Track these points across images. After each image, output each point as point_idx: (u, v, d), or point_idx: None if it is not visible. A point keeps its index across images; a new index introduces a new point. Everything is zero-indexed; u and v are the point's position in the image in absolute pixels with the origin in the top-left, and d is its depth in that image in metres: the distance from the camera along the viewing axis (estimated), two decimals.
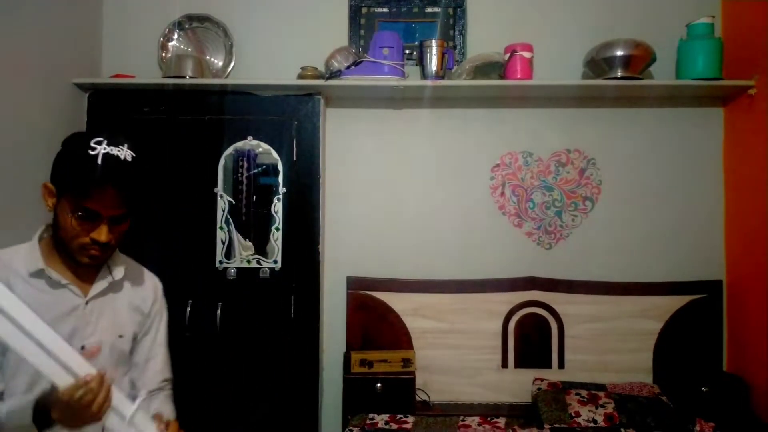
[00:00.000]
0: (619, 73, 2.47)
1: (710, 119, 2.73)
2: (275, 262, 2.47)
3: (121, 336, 1.38)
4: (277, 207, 2.48)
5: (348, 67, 2.50)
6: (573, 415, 2.33)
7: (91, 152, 1.21)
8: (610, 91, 2.61)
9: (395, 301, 2.68)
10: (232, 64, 2.71)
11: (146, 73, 2.65)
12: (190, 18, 2.72)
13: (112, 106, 2.49)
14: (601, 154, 2.75)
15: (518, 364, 2.66)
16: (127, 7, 2.75)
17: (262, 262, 2.47)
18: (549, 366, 2.65)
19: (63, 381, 1.10)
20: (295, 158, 2.49)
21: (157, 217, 2.45)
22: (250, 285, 2.46)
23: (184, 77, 2.51)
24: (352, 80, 2.49)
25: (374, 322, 2.67)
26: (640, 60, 2.48)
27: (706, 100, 2.71)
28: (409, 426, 2.37)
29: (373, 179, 2.76)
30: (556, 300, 2.67)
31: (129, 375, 1.42)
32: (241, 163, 2.51)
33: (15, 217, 2.06)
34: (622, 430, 2.27)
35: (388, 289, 2.69)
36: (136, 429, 1.18)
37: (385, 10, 2.75)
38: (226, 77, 2.69)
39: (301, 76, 2.55)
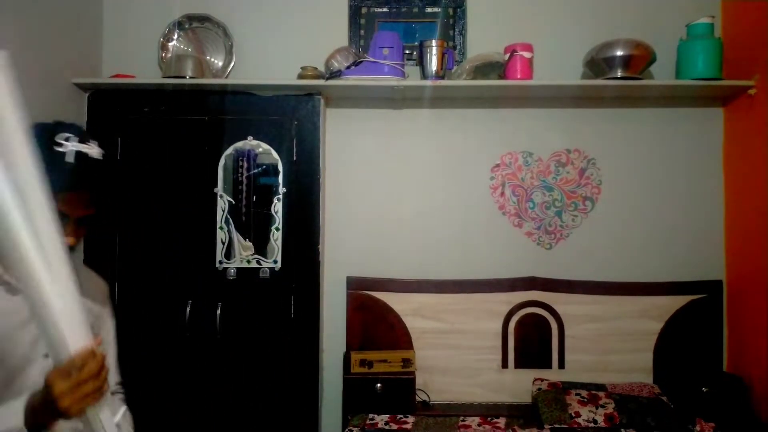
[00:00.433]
0: (619, 73, 2.47)
1: (710, 119, 2.73)
2: (275, 262, 2.47)
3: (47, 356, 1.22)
4: (277, 207, 2.48)
5: (348, 67, 2.50)
6: (573, 415, 2.33)
7: (58, 148, 1.13)
8: (610, 91, 2.61)
9: (395, 301, 2.68)
10: (232, 64, 2.71)
11: (146, 73, 2.65)
12: (190, 18, 2.72)
13: (112, 106, 2.49)
14: (601, 154, 2.75)
15: (518, 365, 2.66)
16: (127, 7, 2.75)
17: (262, 262, 2.47)
18: (549, 366, 2.65)
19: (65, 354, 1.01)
20: (295, 158, 2.49)
21: (157, 217, 2.45)
22: (250, 285, 2.46)
23: (184, 77, 2.51)
24: (352, 80, 2.49)
25: (374, 322, 2.67)
26: (640, 60, 2.48)
27: (706, 100, 2.71)
28: (409, 426, 2.37)
29: (373, 179, 2.76)
30: (556, 300, 2.67)
31: None
32: (241, 163, 2.50)
33: None
34: (622, 430, 2.27)
35: (388, 289, 2.69)
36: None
37: (385, 10, 2.75)
38: (226, 77, 2.68)
39: (301, 76, 2.55)
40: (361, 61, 2.50)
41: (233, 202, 2.49)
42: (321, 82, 2.50)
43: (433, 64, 2.54)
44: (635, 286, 2.67)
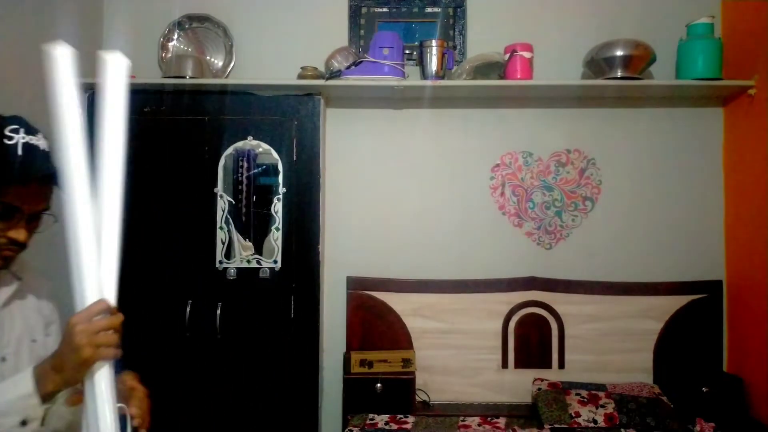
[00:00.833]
0: (619, 73, 2.46)
1: (710, 119, 2.73)
2: (275, 262, 2.47)
3: (34, 341, 1.26)
4: (277, 207, 2.48)
5: (348, 67, 2.50)
6: (573, 415, 2.33)
7: (7, 141, 1.09)
8: (610, 91, 2.61)
9: (395, 301, 2.68)
10: (232, 64, 2.71)
11: (146, 73, 2.65)
12: (190, 18, 2.72)
13: None
14: (601, 154, 2.75)
15: (518, 364, 2.66)
16: (127, 7, 2.74)
17: (262, 262, 2.47)
18: (549, 366, 2.65)
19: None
20: (295, 158, 2.49)
21: (158, 217, 2.45)
22: (250, 285, 2.46)
23: (184, 77, 2.51)
24: (352, 80, 2.49)
25: (374, 322, 2.67)
26: (640, 60, 2.48)
27: (706, 100, 2.71)
28: (409, 426, 2.37)
29: (373, 179, 2.76)
30: (556, 300, 2.67)
31: None
32: (241, 163, 2.50)
33: None
34: (622, 430, 2.27)
35: (388, 289, 2.69)
36: None
37: (385, 10, 2.75)
38: (226, 77, 2.68)
39: (301, 76, 2.55)
40: (361, 61, 2.50)
41: (233, 202, 2.49)
42: (321, 82, 2.50)
43: (433, 64, 2.54)
44: (635, 286, 2.67)
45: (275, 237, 2.48)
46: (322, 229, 2.55)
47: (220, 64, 2.72)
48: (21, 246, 1.15)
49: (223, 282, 2.45)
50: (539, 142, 2.75)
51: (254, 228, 2.50)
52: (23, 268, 1.27)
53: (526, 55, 2.51)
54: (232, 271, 2.46)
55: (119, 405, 1.05)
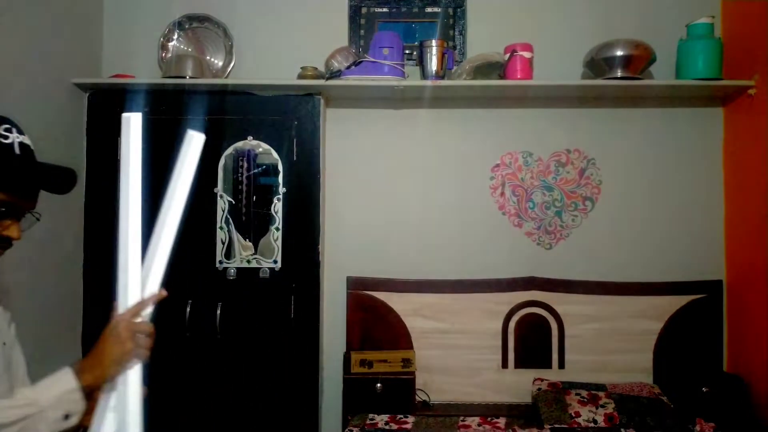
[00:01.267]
0: (619, 73, 2.46)
1: (710, 119, 2.73)
2: (275, 262, 2.47)
3: (4, 343, 1.25)
4: (277, 207, 2.48)
5: (348, 67, 2.50)
6: (573, 415, 2.33)
7: (3, 140, 1.10)
8: (610, 91, 2.61)
9: (395, 301, 2.68)
10: (232, 64, 2.71)
11: (146, 73, 2.65)
12: (190, 18, 2.72)
13: (112, 106, 2.49)
14: (601, 154, 2.75)
15: (518, 364, 2.66)
16: (127, 7, 2.74)
17: (262, 262, 2.47)
18: (549, 366, 2.65)
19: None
20: (295, 158, 2.49)
21: (157, 217, 2.45)
22: (250, 285, 2.46)
23: (184, 77, 2.51)
24: (352, 80, 2.49)
25: (374, 322, 2.67)
26: (640, 60, 2.48)
27: (706, 100, 2.71)
28: (409, 426, 2.37)
29: (373, 179, 2.76)
30: (556, 300, 2.66)
31: (15, 386, 1.25)
32: (241, 163, 2.50)
33: None
34: (622, 430, 2.27)
35: (388, 289, 2.69)
36: None
37: (385, 10, 2.75)
38: (226, 77, 2.68)
39: (301, 76, 2.55)
40: (361, 61, 2.50)
41: (233, 202, 2.49)
42: (321, 82, 2.50)
43: (433, 64, 2.54)
44: (635, 286, 2.67)
45: (275, 237, 2.48)
46: (322, 229, 2.55)
47: (220, 64, 2.72)
48: (11, 244, 1.15)
49: (223, 282, 2.45)
50: (539, 142, 2.75)
51: (254, 228, 2.50)
52: None
53: (526, 55, 2.51)
54: (232, 271, 2.46)
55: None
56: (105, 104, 2.49)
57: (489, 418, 2.45)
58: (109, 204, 2.42)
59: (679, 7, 2.66)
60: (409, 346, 2.66)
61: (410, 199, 2.76)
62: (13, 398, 1.07)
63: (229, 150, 2.49)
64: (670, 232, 2.72)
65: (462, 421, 2.43)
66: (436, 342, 2.67)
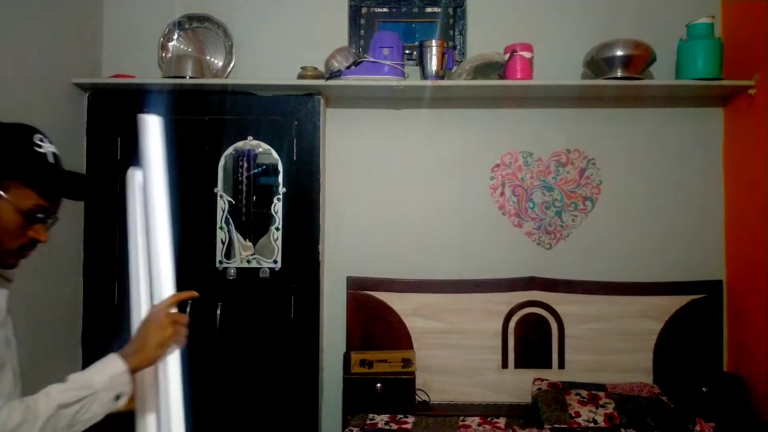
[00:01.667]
0: (619, 73, 2.46)
1: (710, 119, 2.73)
2: (275, 262, 2.47)
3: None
4: (277, 207, 2.48)
5: (348, 67, 2.50)
6: (573, 415, 2.33)
7: (38, 149, 1.16)
8: (610, 91, 2.61)
9: (395, 301, 2.68)
10: (232, 64, 2.71)
11: (146, 73, 2.65)
12: (190, 18, 2.72)
13: (112, 106, 2.49)
14: (601, 154, 2.75)
15: (518, 364, 2.66)
16: (127, 7, 2.74)
17: (262, 262, 2.47)
18: (549, 366, 2.65)
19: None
20: (295, 158, 2.50)
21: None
22: (250, 285, 2.46)
23: (184, 77, 2.51)
24: (352, 80, 2.49)
25: (374, 322, 2.67)
26: (640, 60, 2.48)
27: (706, 100, 2.71)
28: (409, 426, 2.37)
29: (373, 179, 2.76)
30: (556, 300, 2.66)
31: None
32: (241, 163, 2.51)
33: None
34: (622, 430, 2.27)
35: (388, 289, 2.69)
36: None
37: (385, 10, 2.75)
38: (226, 77, 2.68)
39: (301, 76, 2.55)
40: (361, 61, 2.50)
41: (233, 202, 2.49)
42: (321, 82, 2.50)
43: (433, 64, 2.53)
44: (635, 286, 2.67)
45: (275, 237, 2.48)
46: (322, 229, 2.55)
47: (220, 64, 2.72)
48: (35, 246, 1.22)
49: (223, 282, 2.46)
50: (539, 142, 2.75)
51: (254, 228, 2.50)
52: None
53: (526, 55, 2.51)
54: (232, 271, 2.46)
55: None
56: (105, 104, 2.49)
57: (489, 418, 2.45)
58: (109, 204, 2.43)
59: (679, 7, 2.66)
60: (409, 346, 2.66)
61: (410, 199, 2.76)
62: (70, 381, 1.14)
63: (229, 150, 2.49)
64: (670, 232, 2.72)
65: (462, 421, 2.43)
66: (436, 342, 2.67)
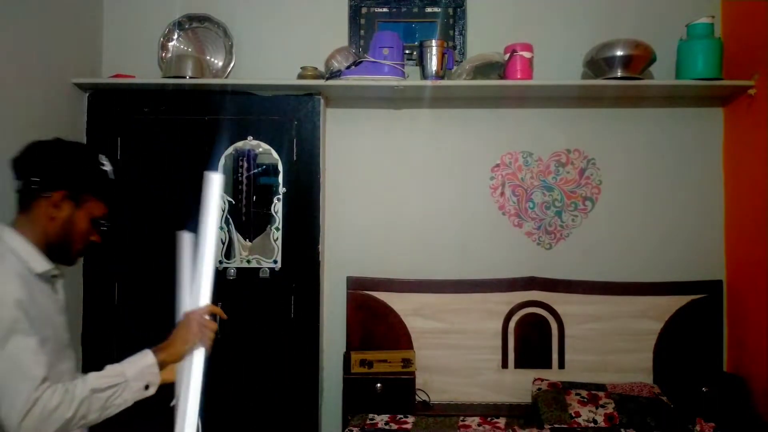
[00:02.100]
0: (619, 73, 2.46)
1: (710, 119, 2.73)
2: (275, 262, 2.47)
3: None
4: (277, 207, 2.48)
5: (348, 67, 2.50)
6: (573, 415, 2.33)
7: (103, 167, 1.44)
8: (610, 91, 2.61)
9: (395, 301, 2.68)
10: (232, 64, 2.71)
11: (146, 73, 2.65)
12: (190, 18, 2.72)
13: (112, 106, 2.49)
14: (601, 154, 2.75)
15: (518, 364, 2.66)
16: (127, 7, 2.74)
17: (262, 262, 2.47)
18: (549, 366, 2.65)
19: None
20: (295, 158, 2.50)
21: (157, 217, 2.45)
22: (250, 285, 2.46)
23: (184, 77, 2.50)
24: (352, 80, 2.49)
25: (374, 322, 2.67)
26: (640, 60, 2.48)
27: (706, 100, 2.71)
28: (409, 426, 2.37)
29: (373, 179, 2.76)
30: (556, 300, 2.66)
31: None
32: (241, 163, 2.51)
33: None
34: (622, 430, 2.27)
35: (388, 289, 2.69)
36: None
37: (385, 10, 2.75)
38: (226, 77, 2.68)
39: (301, 76, 2.55)
40: (361, 61, 2.50)
41: (233, 202, 2.49)
42: (321, 82, 2.50)
43: (433, 64, 2.53)
44: (635, 286, 2.67)
45: (275, 237, 2.48)
46: (322, 229, 2.55)
47: (220, 64, 2.72)
48: None
49: (223, 282, 2.45)
50: (539, 142, 2.75)
51: (254, 228, 2.50)
52: None
53: (526, 55, 2.51)
54: (232, 271, 2.46)
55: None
56: (105, 104, 2.49)
57: (489, 418, 2.45)
58: (108, 205, 2.43)
59: (679, 7, 2.66)
60: (409, 346, 2.66)
61: (410, 199, 2.76)
62: (106, 370, 1.33)
63: (229, 150, 2.49)
64: (671, 232, 2.72)
65: (462, 421, 2.43)
66: (436, 342, 2.67)
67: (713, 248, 2.72)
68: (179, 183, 2.46)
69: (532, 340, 2.67)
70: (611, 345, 2.65)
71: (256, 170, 2.51)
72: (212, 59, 2.72)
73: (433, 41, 2.54)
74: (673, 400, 2.43)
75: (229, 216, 2.47)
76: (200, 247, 1.48)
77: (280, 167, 2.49)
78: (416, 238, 2.75)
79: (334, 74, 2.50)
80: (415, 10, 2.75)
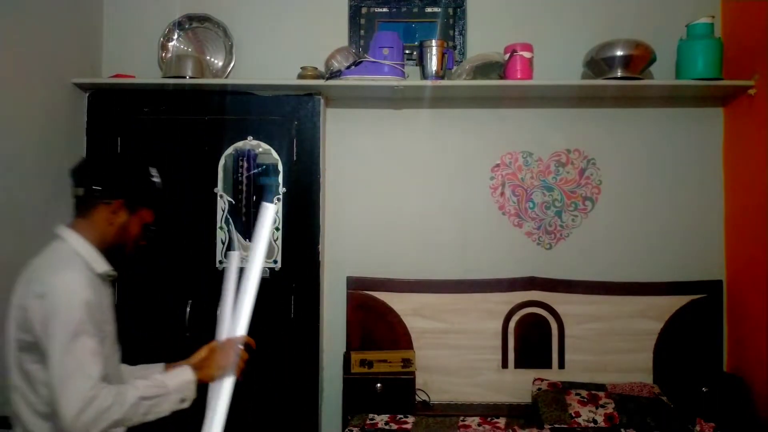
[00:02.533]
0: (619, 73, 2.47)
1: (710, 119, 2.73)
2: (275, 262, 2.47)
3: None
4: (277, 207, 2.48)
5: (348, 67, 2.50)
6: (573, 415, 2.33)
7: (154, 179, 1.61)
8: (610, 91, 2.61)
9: (395, 301, 2.68)
10: (232, 64, 2.71)
11: (146, 73, 2.65)
12: (190, 18, 2.72)
13: (112, 106, 2.49)
14: (601, 154, 2.75)
15: (518, 364, 2.66)
16: (127, 7, 2.75)
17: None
18: (549, 366, 2.65)
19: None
20: (295, 158, 2.50)
21: (157, 217, 2.44)
22: None
23: (184, 77, 2.50)
24: (352, 80, 2.49)
25: (374, 322, 2.67)
26: (640, 60, 2.48)
27: (706, 100, 2.71)
28: (409, 426, 2.37)
29: (373, 179, 2.76)
30: (556, 300, 2.67)
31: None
32: (241, 163, 2.51)
33: (16, 215, 2.06)
34: (622, 430, 2.27)
35: (388, 289, 2.69)
36: None
37: (385, 10, 2.75)
38: (226, 77, 2.68)
39: (301, 76, 2.55)
40: (361, 61, 2.50)
41: (233, 202, 2.49)
42: (321, 82, 2.50)
43: (433, 64, 2.53)
44: (635, 286, 2.67)
45: (275, 237, 2.48)
46: (322, 229, 2.55)
47: (220, 64, 2.72)
48: None
49: (223, 282, 2.45)
50: (539, 142, 2.75)
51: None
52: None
53: (526, 55, 2.51)
54: None
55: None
56: (105, 104, 2.49)
57: (489, 418, 2.45)
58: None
59: (679, 7, 2.66)
60: (409, 346, 2.66)
61: (410, 199, 2.76)
62: (152, 380, 1.44)
63: (229, 150, 2.49)
64: (670, 232, 2.72)
65: (462, 421, 2.43)
66: (436, 342, 2.67)
67: (713, 248, 2.72)
68: (179, 183, 2.46)
69: (532, 340, 2.67)
70: (611, 345, 2.65)
71: (256, 170, 2.51)
72: (212, 59, 2.72)
73: (433, 41, 2.54)
74: (673, 400, 2.43)
75: (229, 216, 2.48)
76: (246, 278, 1.57)
77: (280, 167, 2.49)
78: (416, 238, 2.75)
79: (334, 74, 2.50)
80: (415, 10, 2.75)
